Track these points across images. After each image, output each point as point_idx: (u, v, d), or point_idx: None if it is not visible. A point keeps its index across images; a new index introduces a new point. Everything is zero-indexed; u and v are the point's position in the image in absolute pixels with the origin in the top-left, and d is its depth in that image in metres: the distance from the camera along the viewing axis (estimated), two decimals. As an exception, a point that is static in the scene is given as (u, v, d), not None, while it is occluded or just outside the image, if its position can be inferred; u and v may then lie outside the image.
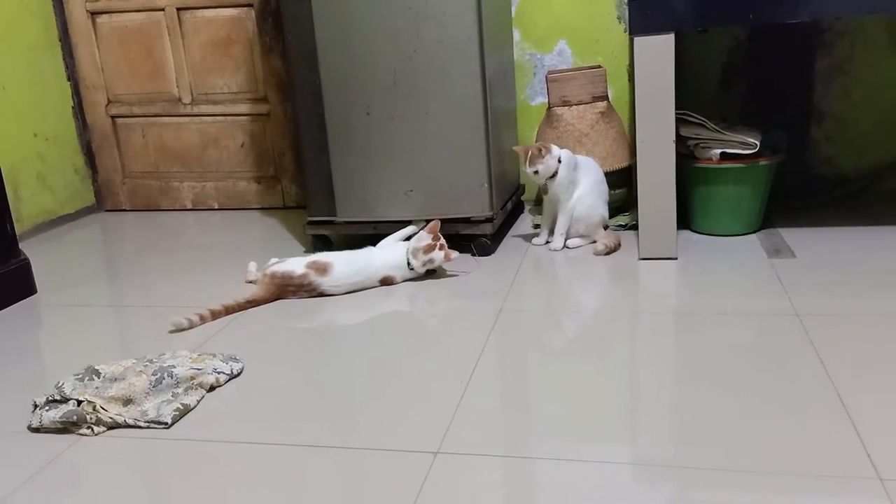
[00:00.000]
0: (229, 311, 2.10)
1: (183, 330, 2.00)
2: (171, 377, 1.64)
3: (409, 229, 2.37)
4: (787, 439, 1.35)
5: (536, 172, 2.38)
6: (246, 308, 2.13)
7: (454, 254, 2.24)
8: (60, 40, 3.33)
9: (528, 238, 2.57)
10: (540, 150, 2.36)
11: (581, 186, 2.42)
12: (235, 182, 3.37)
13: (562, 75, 2.64)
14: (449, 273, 2.31)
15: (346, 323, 2.05)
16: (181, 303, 2.23)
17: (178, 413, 1.56)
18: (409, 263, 2.24)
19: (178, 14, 3.23)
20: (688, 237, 2.47)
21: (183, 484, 1.37)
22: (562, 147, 2.44)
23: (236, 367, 1.75)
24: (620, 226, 2.62)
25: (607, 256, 2.38)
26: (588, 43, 2.85)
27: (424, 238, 2.24)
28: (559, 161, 2.38)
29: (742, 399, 1.49)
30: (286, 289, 2.18)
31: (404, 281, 2.27)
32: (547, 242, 2.49)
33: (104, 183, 3.50)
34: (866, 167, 2.76)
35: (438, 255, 2.22)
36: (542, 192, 2.47)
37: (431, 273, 2.30)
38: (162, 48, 3.29)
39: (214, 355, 1.78)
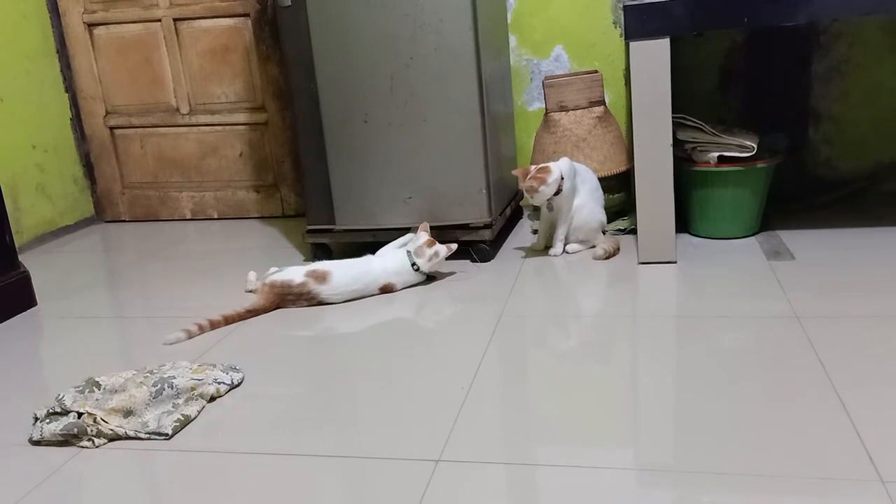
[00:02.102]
0: (229, 321, 2.10)
1: (180, 342, 2.00)
2: (172, 388, 1.64)
3: (409, 237, 2.37)
4: (788, 442, 1.34)
5: (533, 198, 2.36)
6: (245, 318, 2.13)
7: (454, 245, 2.29)
8: (58, 52, 3.33)
9: (528, 253, 2.56)
10: (534, 185, 2.31)
11: (580, 194, 2.42)
12: (234, 191, 3.37)
13: (559, 80, 2.65)
14: (449, 278, 2.32)
15: (347, 331, 2.05)
16: (181, 313, 2.23)
17: (178, 424, 1.56)
18: (413, 266, 2.24)
19: (175, 24, 3.23)
20: (687, 241, 2.47)
21: (184, 495, 1.36)
22: (558, 157, 2.42)
23: (237, 377, 1.75)
24: (619, 230, 2.62)
25: (606, 261, 2.38)
26: (584, 48, 2.86)
27: (421, 236, 2.27)
28: (561, 178, 2.35)
29: (743, 402, 1.49)
30: (286, 297, 2.18)
31: (404, 288, 2.27)
32: (547, 248, 2.48)
33: (103, 194, 3.50)
34: (865, 169, 2.76)
35: (442, 248, 2.24)
36: (546, 209, 2.43)
37: (431, 279, 2.30)
38: (159, 59, 3.29)
39: (215, 365, 1.77)
